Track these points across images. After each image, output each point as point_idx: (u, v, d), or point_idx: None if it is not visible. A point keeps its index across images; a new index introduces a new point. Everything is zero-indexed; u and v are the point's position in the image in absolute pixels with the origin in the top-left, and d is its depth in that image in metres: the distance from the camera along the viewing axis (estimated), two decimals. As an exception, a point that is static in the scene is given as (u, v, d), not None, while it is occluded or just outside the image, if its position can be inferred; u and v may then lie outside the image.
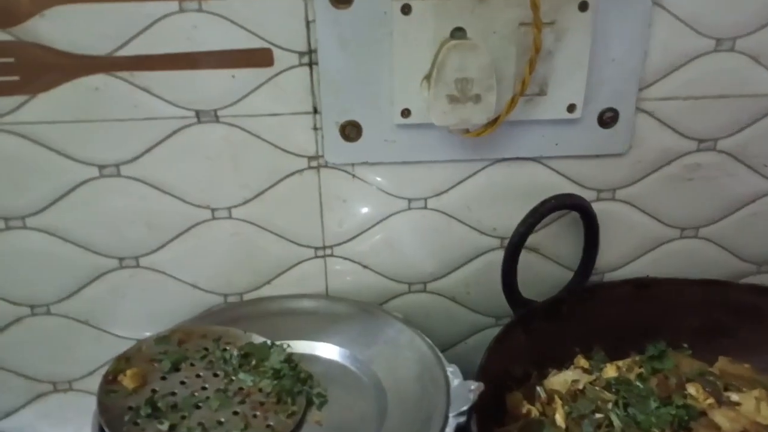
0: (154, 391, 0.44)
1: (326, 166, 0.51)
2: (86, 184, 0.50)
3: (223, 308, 0.55)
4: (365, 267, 0.56)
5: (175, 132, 0.49)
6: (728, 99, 0.52)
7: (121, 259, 0.53)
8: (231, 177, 0.51)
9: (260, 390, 0.45)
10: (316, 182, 0.52)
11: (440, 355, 0.47)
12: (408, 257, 0.56)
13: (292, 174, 0.52)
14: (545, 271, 0.57)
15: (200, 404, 0.43)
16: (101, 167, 0.50)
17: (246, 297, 0.56)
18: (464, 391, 0.43)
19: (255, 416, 0.43)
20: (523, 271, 0.54)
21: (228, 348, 0.48)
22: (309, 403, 0.45)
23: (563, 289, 0.56)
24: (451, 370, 0.46)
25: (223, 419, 0.42)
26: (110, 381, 0.44)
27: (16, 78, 0.47)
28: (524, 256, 0.54)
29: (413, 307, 0.57)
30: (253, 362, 0.47)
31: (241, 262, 0.55)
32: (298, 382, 0.46)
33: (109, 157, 0.50)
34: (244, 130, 0.50)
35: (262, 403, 0.44)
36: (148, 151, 0.50)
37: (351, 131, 0.50)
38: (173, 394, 0.44)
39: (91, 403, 0.58)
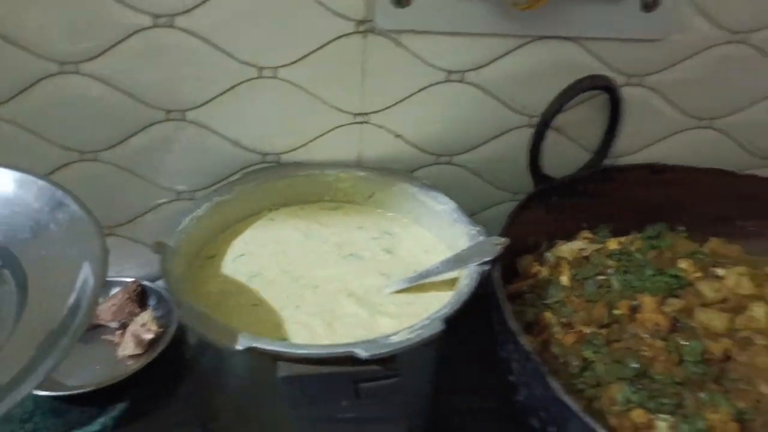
0: None
1: (373, 31, 0.53)
2: (139, 33, 0.51)
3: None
4: (398, 136, 0.59)
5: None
6: (767, -7, 0.53)
7: (168, 111, 0.56)
8: (279, 36, 0.52)
9: None
10: (362, 47, 0.54)
11: (464, 217, 0.52)
12: (439, 129, 0.59)
13: (340, 37, 0.53)
14: (567, 150, 0.61)
15: None
16: (155, 16, 0.51)
17: (283, 159, 0.59)
18: (490, 245, 0.47)
19: None
20: (546, 150, 0.57)
21: None
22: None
23: (582, 167, 0.60)
24: (478, 229, 0.50)
25: None
26: None
27: None
28: (549, 135, 0.58)
29: (437, 178, 0.61)
30: None
31: (281, 123, 0.57)
32: None
33: (164, 8, 0.51)
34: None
35: None
36: (200, 4, 0.51)
37: (402, -3, 0.51)
38: None
39: (132, 248, 0.63)
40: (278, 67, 0.54)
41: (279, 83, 0.55)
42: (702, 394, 0.44)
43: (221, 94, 0.55)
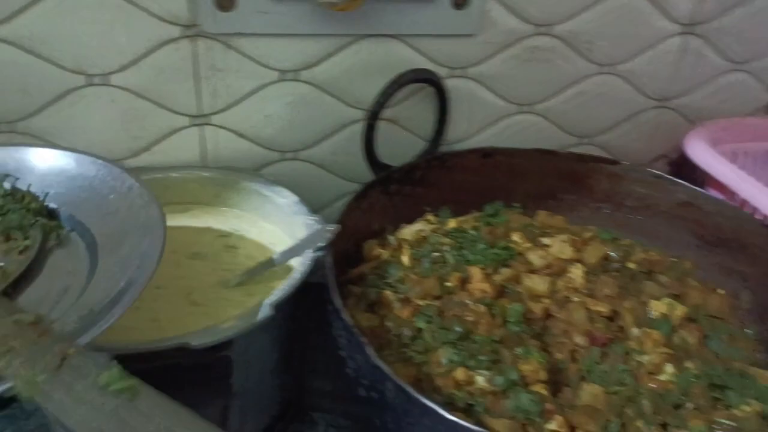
0: None
1: (201, 35, 0.54)
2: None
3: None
4: (240, 136, 0.61)
5: (43, -5, 0.50)
6: (561, -11, 0.60)
7: (-4, 123, 0.55)
8: (106, 43, 0.53)
9: None
10: (192, 51, 0.55)
11: (304, 208, 0.55)
12: (281, 127, 0.61)
13: (168, 42, 0.54)
14: (403, 140, 0.65)
15: None
16: (-33, 28, 0.50)
17: (127, 164, 0.60)
18: (323, 232, 0.50)
19: None
20: (384, 140, 0.61)
21: None
22: (48, 235, 0.41)
23: (418, 156, 0.65)
24: (315, 218, 0.53)
25: None
26: None
27: None
28: (385, 127, 0.62)
29: (286, 174, 0.63)
30: None
31: (119, 130, 0.58)
32: (29, 214, 0.42)
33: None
34: (116, -4, 0.51)
35: None
36: (19, 14, 0.50)
37: (225, 1, 0.53)
38: None
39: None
40: (108, 74, 0.54)
41: (112, 90, 0.55)
42: (519, 350, 0.50)
43: (50, 103, 0.54)
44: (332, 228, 0.50)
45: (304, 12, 0.54)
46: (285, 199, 0.56)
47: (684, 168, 0.68)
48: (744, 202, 0.61)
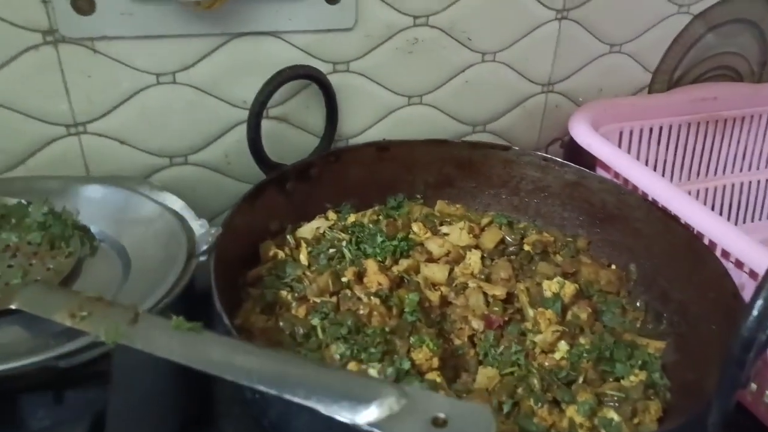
0: None
1: (64, 41, 0.52)
2: None
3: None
4: (123, 143, 0.58)
5: None
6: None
7: None
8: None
9: (29, 243, 0.48)
10: (56, 57, 0.52)
11: (190, 213, 0.53)
12: (165, 131, 0.59)
13: (29, 49, 0.51)
14: (296, 138, 0.64)
15: None
16: None
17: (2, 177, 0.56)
18: (206, 236, 0.49)
19: (31, 264, 0.47)
20: (275, 140, 0.60)
21: None
22: (83, 245, 0.49)
23: (311, 153, 0.64)
24: (200, 223, 0.52)
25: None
26: None
27: None
28: (275, 126, 0.61)
29: (178, 180, 0.62)
30: (13, 221, 0.50)
31: (-13, 143, 0.54)
32: (68, 228, 0.49)
33: None
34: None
35: (35, 253, 0.48)
36: None
37: (83, 4, 0.50)
38: None
39: None
40: (-35, 85, 0.51)
41: (-29, 103, 0.52)
42: (412, 339, 0.50)
43: None
44: (213, 231, 0.49)
45: (170, 12, 0.53)
46: (171, 205, 0.54)
47: (576, 150, 0.70)
48: (626, 180, 0.64)
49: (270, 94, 0.56)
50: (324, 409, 0.33)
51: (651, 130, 0.74)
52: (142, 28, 0.53)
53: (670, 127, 0.75)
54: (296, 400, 0.34)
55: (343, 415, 0.32)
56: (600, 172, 0.67)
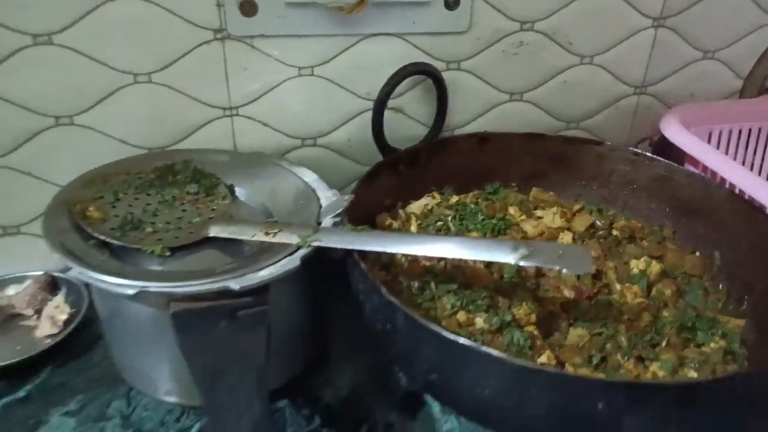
0: (117, 216, 0.56)
1: (229, 38, 0.63)
2: (21, 52, 0.59)
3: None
4: (265, 125, 0.69)
5: (99, 6, 0.59)
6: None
7: (57, 118, 0.63)
8: (151, 46, 0.62)
9: (188, 193, 0.60)
10: (222, 52, 0.64)
11: (321, 184, 0.63)
12: (300, 117, 0.70)
13: (201, 44, 0.63)
14: (409, 127, 0.73)
15: (156, 213, 0.57)
16: (35, 36, 0.59)
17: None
18: (340, 201, 0.58)
19: (198, 207, 0.58)
20: (391, 127, 0.69)
21: (142, 175, 0.61)
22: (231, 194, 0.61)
23: (421, 140, 0.73)
24: (332, 192, 0.61)
25: (179, 216, 0.57)
26: (82, 217, 0.55)
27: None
28: (392, 115, 0.70)
29: (307, 159, 0.72)
30: (170, 179, 0.61)
31: (161, 122, 0.66)
32: (214, 180, 0.61)
33: (42, 27, 0.59)
34: (159, 6, 0.60)
35: (196, 200, 0.59)
36: (74, 23, 0.59)
37: (248, 8, 0.62)
38: (132, 214, 0.57)
39: (40, 244, 0.70)
40: (151, 72, 0.63)
41: (154, 87, 0.64)
42: (514, 300, 0.57)
43: (102, 99, 0.63)
44: (347, 198, 0.58)
45: (317, 16, 0.63)
46: (307, 177, 0.64)
47: (664, 149, 0.75)
48: (714, 175, 0.68)
49: (394, 86, 0.65)
50: (483, 257, 0.51)
51: (740, 133, 0.78)
52: (293, 29, 0.63)
53: (759, 131, 0.79)
54: (458, 256, 0.51)
55: (499, 258, 0.50)
56: (688, 167, 0.72)
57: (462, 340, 0.44)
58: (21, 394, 0.59)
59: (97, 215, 0.57)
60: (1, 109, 0.62)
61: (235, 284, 0.49)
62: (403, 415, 0.59)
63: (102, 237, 0.54)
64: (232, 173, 0.64)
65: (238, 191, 0.63)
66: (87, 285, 0.65)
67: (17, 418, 0.57)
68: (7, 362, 0.60)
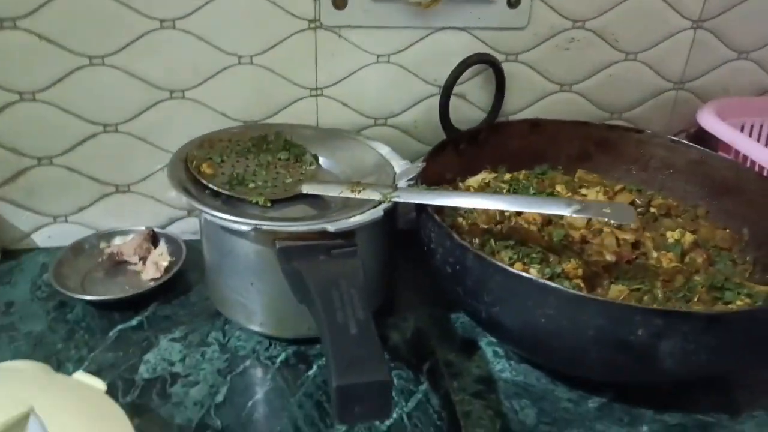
0: (223, 174, 0.67)
1: (321, 27, 0.74)
2: (149, 34, 0.71)
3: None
4: (344, 105, 0.79)
5: (214, -3, 0.71)
6: (594, -7, 0.77)
7: (171, 92, 0.75)
8: (255, 32, 0.73)
9: (280, 159, 0.71)
10: (314, 40, 0.74)
11: (394, 155, 0.72)
12: (375, 99, 0.80)
13: (297, 33, 0.74)
14: (469, 111, 0.83)
15: (255, 173, 0.68)
16: (162, 20, 0.70)
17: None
18: (413, 168, 0.68)
19: (289, 171, 0.70)
20: (453, 110, 0.79)
21: (241, 143, 0.72)
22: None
23: (480, 123, 0.82)
24: (405, 162, 0.71)
25: (274, 176, 0.69)
26: (198, 171, 0.67)
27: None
28: (455, 100, 0.79)
29: (377, 136, 0.81)
30: (264, 147, 0.72)
31: (257, 98, 0.77)
32: (302, 149, 0.73)
33: (169, 14, 0.70)
34: (265, -1, 0.72)
35: (287, 165, 0.71)
36: (195, 11, 0.70)
37: (340, 2, 0.72)
38: (236, 173, 0.68)
39: (145, 202, 0.81)
40: (253, 55, 0.74)
41: (254, 68, 0.75)
42: (563, 257, 0.66)
43: (211, 77, 0.74)
44: (419, 165, 0.68)
45: (397, 9, 0.73)
46: (381, 149, 0.74)
47: (700, 141, 0.83)
48: (744, 159, 0.76)
49: (460, 73, 0.75)
50: (542, 210, 0.62)
51: (771, 126, 0.86)
52: (375, 21, 0.73)
53: (788, 126, 0.86)
54: (519, 209, 0.62)
55: (555, 210, 0.59)
56: (721, 154, 0.80)
57: (524, 274, 0.53)
58: (133, 323, 0.70)
59: (208, 171, 0.67)
60: (128, 83, 0.73)
61: (330, 227, 0.59)
62: (461, 356, 0.68)
63: (216, 188, 0.65)
64: (317, 145, 0.75)
65: (322, 160, 0.74)
66: (184, 241, 0.76)
67: (132, 340, 0.67)
68: (120, 296, 0.71)
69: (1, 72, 0.70)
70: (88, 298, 0.70)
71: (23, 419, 0.44)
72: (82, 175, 0.77)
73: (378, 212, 0.61)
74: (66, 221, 0.80)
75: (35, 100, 0.72)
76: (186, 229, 0.82)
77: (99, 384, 0.52)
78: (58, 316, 0.70)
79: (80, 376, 0.53)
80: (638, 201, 0.78)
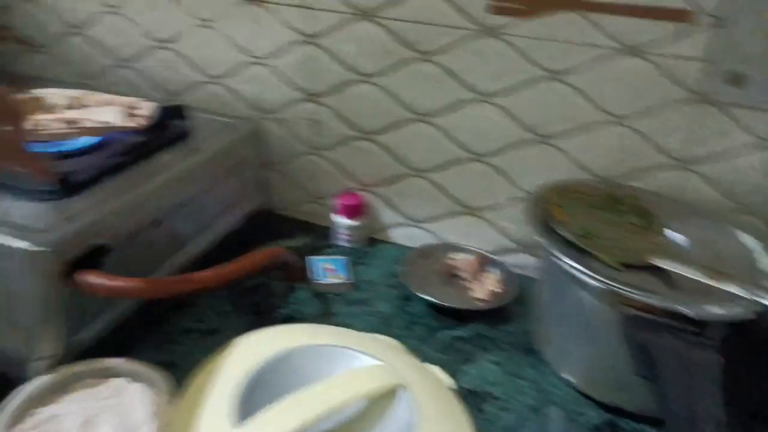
0: (572, 224, 0.70)
1: (707, 102, 0.72)
2: (534, 81, 0.78)
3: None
4: (714, 183, 0.76)
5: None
6: None
7: (537, 134, 0.81)
8: (636, 96, 0.75)
9: (631, 223, 0.72)
10: (696, 112, 0.73)
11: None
12: (753, 185, 0.75)
13: (678, 101, 0.74)
14: None
15: (603, 230, 0.70)
16: (551, 71, 0.77)
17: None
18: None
19: (635, 236, 0.70)
20: None
21: (592, 196, 0.75)
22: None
23: None
24: (775, 258, 0.65)
25: (618, 238, 0.69)
26: (550, 216, 0.71)
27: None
28: None
29: (747, 226, 0.75)
30: (614, 206, 0.74)
31: (619, 157, 0.78)
32: (653, 218, 0.73)
33: (557, 65, 0.76)
34: (651, 62, 0.73)
35: (636, 231, 0.71)
36: (581, 64, 0.75)
37: (739, 80, 0.69)
38: (585, 226, 0.70)
39: (487, 228, 0.88)
40: (622, 117, 0.76)
41: (623, 129, 0.77)
42: None
43: (576, 129, 0.79)
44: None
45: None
46: (750, 242, 0.69)
47: None
48: None
49: None
50: None
51: None
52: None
53: None
54: None
55: None
56: None
57: None
58: (460, 332, 0.78)
59: (560, 218, 0.71)
60: (502, 120, 0.81)
61: (691, 311, 0.57)
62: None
63: (569, 236, 0.69)
64: (669, 215, 0.73)
65: (672, 234, 0.72)
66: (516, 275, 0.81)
67: (455, 348, 0.75)
68: (458, 306, 0.79)
69: (410, 96, 0.85)
70: (429, 298, 0.80)
71: (393, 391, 0.50)
72: (443, 191, 0.89)
73: (747, 311, 0.58)
74: (418, 227, 0.93)
75: (427, 123, 0.85)
76: (513, 261, 0.88)
77: (449, 381, 0.57)
78: (402, 305, 0.82)
79: (430, 367, 0.58)
80: None
